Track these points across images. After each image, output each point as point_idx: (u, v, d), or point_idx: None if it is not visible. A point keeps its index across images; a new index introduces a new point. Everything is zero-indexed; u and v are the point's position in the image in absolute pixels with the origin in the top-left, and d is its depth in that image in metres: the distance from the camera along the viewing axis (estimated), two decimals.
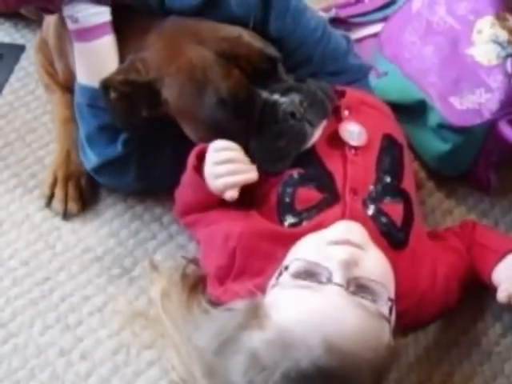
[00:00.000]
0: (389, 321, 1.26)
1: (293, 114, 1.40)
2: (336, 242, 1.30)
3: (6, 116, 1.94)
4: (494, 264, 1.44)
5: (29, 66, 2.06)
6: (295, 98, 1.41)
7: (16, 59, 2.09)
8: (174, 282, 1.48)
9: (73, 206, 1.69)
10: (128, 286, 1.58)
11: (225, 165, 1.41)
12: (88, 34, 1.54)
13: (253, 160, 1.44)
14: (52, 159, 1.78)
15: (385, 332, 1.25)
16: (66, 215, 1.69)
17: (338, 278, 1.23)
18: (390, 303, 1.26)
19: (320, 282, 1.24)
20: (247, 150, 1.45)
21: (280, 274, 1.30)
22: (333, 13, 2.03)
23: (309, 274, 1.26)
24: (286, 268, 1.29)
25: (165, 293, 1.47)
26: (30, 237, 1.67)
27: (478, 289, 1.51)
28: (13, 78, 2.04)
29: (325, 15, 2.00)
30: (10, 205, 1.73)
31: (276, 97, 1.42)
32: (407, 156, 1.57)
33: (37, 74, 1.99)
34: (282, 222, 1.41)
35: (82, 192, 1.72)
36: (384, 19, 1.96)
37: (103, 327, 1.51)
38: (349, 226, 1.35)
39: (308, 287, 1.24)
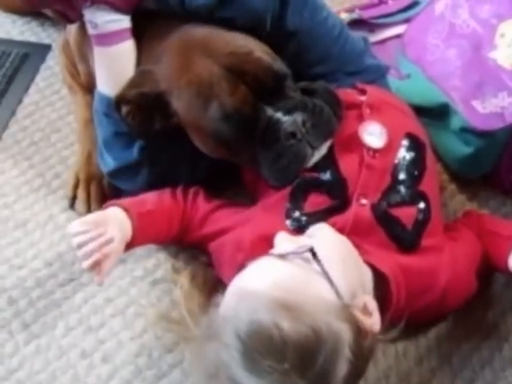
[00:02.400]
0: (327, 277, 1.24)
1: (293, 134, 1.40)
2: None
3: (31, 115, 1.96)
4: (509, 250, 1.44)
5: (54, 65, 2.07)
6: (298, 117, 1.41)
7: (42, 59, 2.11)
8: (196, 285, 1.49)
9: (96, 207, 1.69)
10: (151, 288, 1.59)
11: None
12: (107, 39, 1.54)
13: (262, 173, 1.48)
14: (74, 160, 1.80)
15: (322, 286, 1.23)
16: None
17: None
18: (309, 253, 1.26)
19: None
20: (256, 164, 1.46)
21: None
22: (356, 14, 2.03)
23: None
24: None
25: (188, 295, 1.48)
26: (53, 237, 1.68)
27: (500, 292, 1.51)
28: (38, 78, 2.06)
29: (348, 16, 2.01)
30: (35, 205, 1.75)
31: (279, 115, 1.41)
32: (430, 155, 1.56)
33: (61, 74, 1.99)
34: (288, 215, 1.43)
35: (104, 193, 1.72)
36: (407, 21, 1.95)
37: (125, 329, 1.52)
38: None
39: None
